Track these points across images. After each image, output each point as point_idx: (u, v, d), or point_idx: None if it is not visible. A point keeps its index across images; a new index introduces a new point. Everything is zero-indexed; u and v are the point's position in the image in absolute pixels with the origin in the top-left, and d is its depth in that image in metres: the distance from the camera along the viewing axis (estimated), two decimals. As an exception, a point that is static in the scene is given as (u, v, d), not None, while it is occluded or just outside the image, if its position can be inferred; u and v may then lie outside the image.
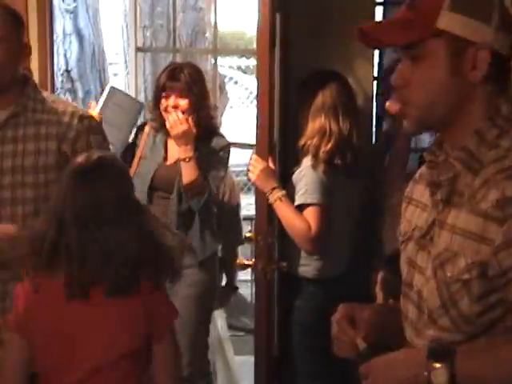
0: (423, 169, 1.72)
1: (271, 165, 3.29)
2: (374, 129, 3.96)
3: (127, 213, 2.23)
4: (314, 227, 3.10)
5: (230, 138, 3.82)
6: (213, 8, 4.41)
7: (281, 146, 3.65)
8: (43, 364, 2.28)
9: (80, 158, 2.26)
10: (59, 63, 6.59)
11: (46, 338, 2.23)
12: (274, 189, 3.17)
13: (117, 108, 3.66)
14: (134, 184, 2.36)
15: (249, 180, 3.65)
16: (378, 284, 2.64)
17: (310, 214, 3.12)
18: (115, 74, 8.72)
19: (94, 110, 3.59)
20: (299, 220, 3.10)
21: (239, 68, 11.21)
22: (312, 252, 3.17)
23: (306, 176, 3.17)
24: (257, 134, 3.49)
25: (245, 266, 3.74)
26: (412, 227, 1.71)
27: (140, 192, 3.40)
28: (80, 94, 6.67)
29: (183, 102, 3.53)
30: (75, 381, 2.24)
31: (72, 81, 6.65)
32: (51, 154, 2.58)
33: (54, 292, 2.19)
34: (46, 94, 2.84)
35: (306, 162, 3.21)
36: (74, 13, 6.67)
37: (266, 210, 3.28)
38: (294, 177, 3.24)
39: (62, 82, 6.61)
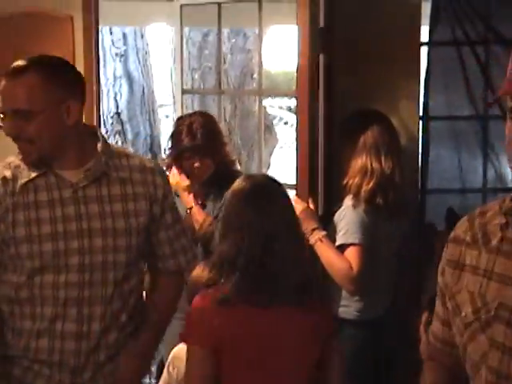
0: (475, 230, 1.58)
1: (311, 205, 3.27)
2: (419, 170, 3.93)
3: (296, 230, 2.38)
4: (355, 267, 3.06)
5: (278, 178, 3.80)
6: (260, 49, 4.40)
7: (324, 186, 3.63)
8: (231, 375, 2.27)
9: (246, 183, 2.37)
10: (109, 106, 6.71)
11: (235, 350, 2.25)
12: (314, 230, 3.15)
13: None
14: None
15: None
16: (421, 326, 2.58)
17: (351, 253, 3.08)
18: (167, 116, 8.83)
19: None
20: (340, 260, 3.07)
21: (290, 108, 11.25)
22: (354, 292, 3.13)
23: (346, 215, 3.14)
24: (297, 174, 3.48)
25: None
26: (492, 304, 1.48)
27: None
28: (130, 136, 6.77)
29: (207, 162, 3.53)
30: None
31: (122, 123, 6.75)
32: (142, 215, 2.37)
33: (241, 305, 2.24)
34: (114, 146, 2.58)
35: (347, 201, 3.18)
36: (124, 56, 6.79)
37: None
38: (336, 216, 3.22)
39: (112, 124, 6.72)
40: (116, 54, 6.72)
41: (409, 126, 3.84)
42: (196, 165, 3.48)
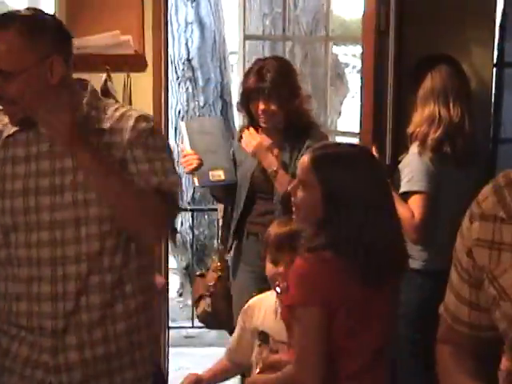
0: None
1: (375, 153, 3.21)
2: (492, 118, 3.82)
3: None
4: (417, 215, 3.01)
5: (348, 128, 3.75)
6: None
7: (393, 134, 3.57)
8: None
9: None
10: (181, 52, 6.70)
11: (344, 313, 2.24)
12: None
13: (202, 136, 3.55)
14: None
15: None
16: None
17: (415, 201, 3.03)
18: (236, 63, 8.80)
19: (185, 151, 3.52)
20: (402, 208, 3.01)
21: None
22: (416, 240, 3.07)
23: (412, 163, 3.09)
24: (361, 122, 3.43)
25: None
26: None
27: (240, 196, 3.49)
28: (200, 83, 6.75)
29: (273, 107, 3.40)
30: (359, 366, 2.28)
31: (193, 70, 6.74)
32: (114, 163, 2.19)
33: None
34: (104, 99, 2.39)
35: (413, 149, 3.11)
36: (195, 1, 6.75)
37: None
38: (401, 164, 3.16)
39: (183, 70, 6.71)
40: (188, 0, 6.69)
41: (482, 73, 3.74)
42: (261, 107, 3.39)
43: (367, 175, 2.25)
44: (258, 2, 6.60)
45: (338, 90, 7.16)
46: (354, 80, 8.91)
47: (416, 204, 3.03)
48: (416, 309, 3.11)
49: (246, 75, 3.51)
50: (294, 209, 2.35)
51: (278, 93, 3.36)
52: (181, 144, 3.62)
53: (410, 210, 3.02)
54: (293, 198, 2.35)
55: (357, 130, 3.85)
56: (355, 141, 3.64)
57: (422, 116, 3.13)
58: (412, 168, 3.07)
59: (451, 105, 3.11)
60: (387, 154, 3.54)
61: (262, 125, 3.44)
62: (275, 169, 3.34)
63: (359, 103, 3.74)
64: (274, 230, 2.71)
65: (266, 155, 3.37)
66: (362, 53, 3.74)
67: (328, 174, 2.24)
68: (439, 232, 3.11)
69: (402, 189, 3.07)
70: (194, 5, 6.74)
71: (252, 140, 3.39)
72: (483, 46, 3.75)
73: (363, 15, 3.68)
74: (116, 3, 3.78)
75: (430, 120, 3.10)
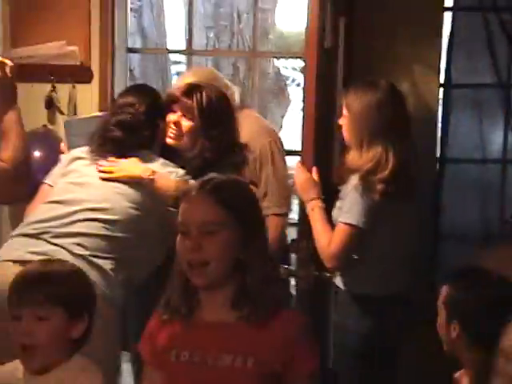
0: None
1: (315, 175, 3.17)
2: (438, 141, 3.86)
3: None
4: (334, 245, 2.99)
5: (288, 143, 3.72)
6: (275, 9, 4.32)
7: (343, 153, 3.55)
8: None
9: None
10: (122, 61, 6.62)
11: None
12: (312, 199, 3.09)
13: (82, 136, 3.17)
14: None
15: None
16: (440, 298, 2.50)
17: (338, 231, 3.00)
18: (178, 73, 8.74)
19: (65, 152, 3.23)
20: (323, 234, 3.02)
21: (302, 70, 11.14)
22: (330, 268, 3.07)
23: (350, 196, 3.01)
24: (302, 141, 3.39)
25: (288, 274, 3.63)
26: None
27: None
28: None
29: (187, 124, 3.06)
30: None
31: (134, 80, 6.67)
32: None
33: None
34: None
35: (354, 180, 3.01)
36: (138, 12, 6.70)
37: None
38: (341, 194, 3.10)
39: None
40: (131, 10, 6.62)
41: (427, 93, 3.77)
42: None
43: None
44: (202, 14, 6.58)
45: (279, 103, 7.18)
46: (294, 93, 8.97)
47: (339, 234, 2.99)
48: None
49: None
50: None
51: (203, 113, 3.08)
52: (62, 145, 3.36)
53: (328, 238, 3.00)
54: None
55: (298, 147, 3.84)
56: (297, 159, 3.61)
57: (368, 152, 3.02)
58: (351, 201, 3.00)
59: (399, 144, 3.02)
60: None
61: None
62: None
63: (301, 119, 3.72)
64: None
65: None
66: (304, 67, 3.74)
67: None
68: (372, 264, 3.07)
69: (340, 219, 3.02)
70: (136, 15, 6.69)
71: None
72: (429, 66, 3.79)
73: (306, 30, 3.67)
74: (62, 13, 3.70)
75: (376, 160, 3.01)
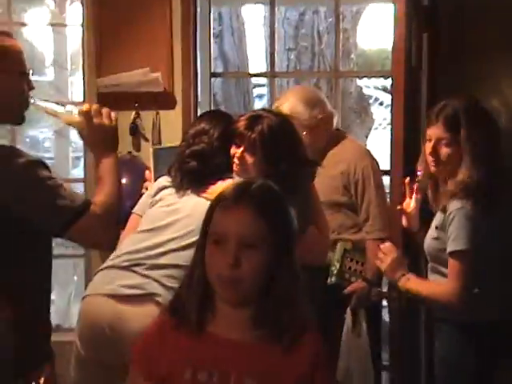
0: None
1: (411, 201, 3.10)
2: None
3: None
4: (452, 281, 2.87)
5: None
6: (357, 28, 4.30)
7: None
8: None
9: None
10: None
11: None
12: (402, 275, 3.00)
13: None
14: None
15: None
16: None
17: (453, 264, 2.88)
18: (260, 96, 8.77)
19: (151, 180, 3.19)
20: (434, 287, 2.90)
21: (385, 89, 11.04)
22: (461, 306, 2.92)
23: (456, 219, 2.90)
24: (391, 161, 3.33)
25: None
26: None
27: None
28: (224, 117, 6.73)
29: (250, 159, 2.88)
30: None
31: (217, 104, 6.72)
32: None
33: None
34: None
35: (456, 204, 2.91)
36: (219, 37, 6.75)
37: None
38: (438, 221, 2.99)
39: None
40: (212, 35, 6.68)
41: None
42: None
43: None
44: (283, 37, 6.58)
45: (363, 123, 7.11)
46: (377, 112, 8.88)
47: (454, 267, 2.87)
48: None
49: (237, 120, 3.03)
50: None
51: (263, 145, 2.91)
52: (147, 172, 3.33)
53: (440, 286, 2.89)
54: None
55: (387, 166, 3.79)
56: (387, 179, 3.54)
57: (459, 177, 2.93)
58: (457, 225, 2.90)
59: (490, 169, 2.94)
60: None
61: None
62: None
63: (389, 138, 3.67)
64: None
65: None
66: (392, 86, 3.70)
67: None
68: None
69: (449, 249, 2.89)
70: (217, 40, 6.73)
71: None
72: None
73: (393, 49, 3.64)
74: (145, 41, 3.76)
75: (465, 183, 2.92)
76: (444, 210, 2.87)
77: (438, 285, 2.90)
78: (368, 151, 3.60)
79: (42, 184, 2.28)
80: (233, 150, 2.91)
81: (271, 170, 2.79)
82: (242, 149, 2.85)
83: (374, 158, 3.52)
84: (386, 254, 2.99)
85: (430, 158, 2.87)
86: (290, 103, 3.44)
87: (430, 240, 2.94)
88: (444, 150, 2.84)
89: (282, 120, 2.93)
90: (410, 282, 2.93)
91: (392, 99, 3.71)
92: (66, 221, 2.27)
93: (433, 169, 2.89)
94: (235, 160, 2.89)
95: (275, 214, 1.81)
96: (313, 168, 3.01)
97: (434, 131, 2.84)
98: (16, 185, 2.24)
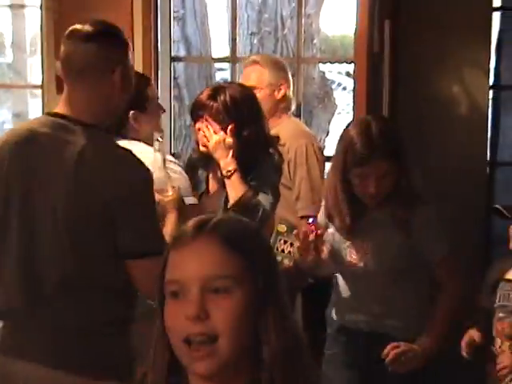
0: None
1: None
2: (488, 141, 3.77)
3: None
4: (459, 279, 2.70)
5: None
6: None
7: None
8: None
9: None
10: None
11: None
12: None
13: None
14: None
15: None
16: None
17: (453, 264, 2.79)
18: (224, 80, 8.74)
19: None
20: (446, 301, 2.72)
21: (348, 74, 11.07)
22: None
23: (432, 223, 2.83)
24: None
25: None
26: None
27: None
28: (186, 102, 6.67)
29: (216, 128, 2.91)
30: None
31: (179, 88, 6.66)
32: None
33: None
34: None
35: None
36: (182, 20, 6.69)
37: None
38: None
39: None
40: (174, 18, 6.62)
41: (477, 95, 3.69)
42: None
43: None
44: (246, 21, 6.54)
45: (325, 108, 7.10)
46: (340, 97, 8.87)
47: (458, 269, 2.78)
48: None
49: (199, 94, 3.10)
50: None
51: (230, 113, 2.96)
52: None
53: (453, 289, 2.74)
54: None
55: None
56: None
57: None
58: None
59: None
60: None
61: None
62: (231, 168, 2.88)
63: (346, 121, 3.67)
64: None
65: (225, 154, 2.90)
66: (354, 72, 3.75)
67: None
68: None
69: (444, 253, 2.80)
70: (180, 23, 6.67)
71: (213, 134, 2.92)
72: (479, 68, 3.70)
73: (355, 35, 3.66)
74: (105, 23, 3.70)
75: None
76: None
77: (444, 301, 2.70)
78: (306, 132, 3.64)
79: (151, 206, 2.24)
80: (198, 124, 2.93)
81: (235, 139, 2.85)
82: (206, 119, 2.88)
83: (312, 139, 3.54)
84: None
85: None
86: (261, 58, 3.64)
87: (392, 260, 2.73)
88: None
89: (244, 89, 3.00)
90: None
91: (354, 84, 3.74)
92: (147, 250, 2.15)
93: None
94: (200, 133, 2.91)
95: (248, 244, 1.35)
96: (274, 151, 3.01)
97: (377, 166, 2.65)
98: (128, 192, 2.17)
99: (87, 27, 2.22)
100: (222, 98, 2.88)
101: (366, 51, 3.60)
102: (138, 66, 3.75)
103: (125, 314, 2.27)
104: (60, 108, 2.25)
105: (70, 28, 2.25)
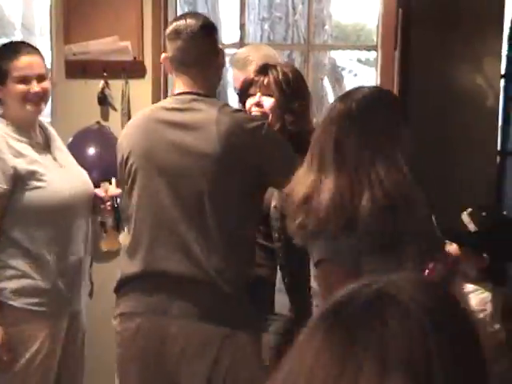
0: None
1: None
2: (499, 130, 3.74)
3: None
4: None
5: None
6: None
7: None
8: None
9: None
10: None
11: None
12: None
13: None
14: None
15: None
16: None
17: None
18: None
19: None
20: None
21: (359, 60, 11.01)
22: None
23: None
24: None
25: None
26: None
27: None
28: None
29: (268, 101, 2.97)
30: None
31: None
32: None
33: None
34: None
35: None
36: (192, 5, 6.66)
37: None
38: None
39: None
40: (185, 2, 6.58)
41: (490, 85, 3.66)
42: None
43: None
44: (257, 6, 6.51)
45: (336, 95, 7.08)
46: (351, 84, 8.81)
47: None
48: None
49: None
50: None
51: (281, 88, 3.05)
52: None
53: None
54: None
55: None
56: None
57: None
58: None
59: None
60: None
61: None
62: None
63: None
64: None
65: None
66: (379, 63, 3.74)
67: None
68: None
69: None
70: (190, 8, 6.64)
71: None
72: (492, 58, 3.67)
73: (381, 25, 3.67)
74: (115, 8, 3.68)
75: None
76: None
77: None
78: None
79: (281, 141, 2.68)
80: (249, 101, 3.01)
81: (287, 111, 2.95)
82: (258, 94, 2.98)
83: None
84: None
85: None
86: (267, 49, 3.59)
87: None
88: None
89: (290, 65, 3.27)
90: None
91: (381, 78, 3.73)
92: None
93: None
94: (252, 109, 2.98)
95: None
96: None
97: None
98: (264, 146, 2.61)
99: (193, 22, 2.65)
100: (273, 73, 3.01)
101: (393, 40, 3.61)
102: (148, 52, 3.74)
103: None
104: (186, 88, 2.65)
105: (174, 26, 2.68)
